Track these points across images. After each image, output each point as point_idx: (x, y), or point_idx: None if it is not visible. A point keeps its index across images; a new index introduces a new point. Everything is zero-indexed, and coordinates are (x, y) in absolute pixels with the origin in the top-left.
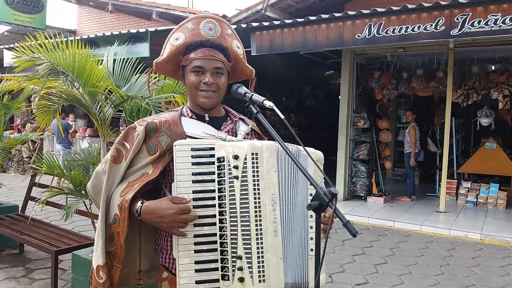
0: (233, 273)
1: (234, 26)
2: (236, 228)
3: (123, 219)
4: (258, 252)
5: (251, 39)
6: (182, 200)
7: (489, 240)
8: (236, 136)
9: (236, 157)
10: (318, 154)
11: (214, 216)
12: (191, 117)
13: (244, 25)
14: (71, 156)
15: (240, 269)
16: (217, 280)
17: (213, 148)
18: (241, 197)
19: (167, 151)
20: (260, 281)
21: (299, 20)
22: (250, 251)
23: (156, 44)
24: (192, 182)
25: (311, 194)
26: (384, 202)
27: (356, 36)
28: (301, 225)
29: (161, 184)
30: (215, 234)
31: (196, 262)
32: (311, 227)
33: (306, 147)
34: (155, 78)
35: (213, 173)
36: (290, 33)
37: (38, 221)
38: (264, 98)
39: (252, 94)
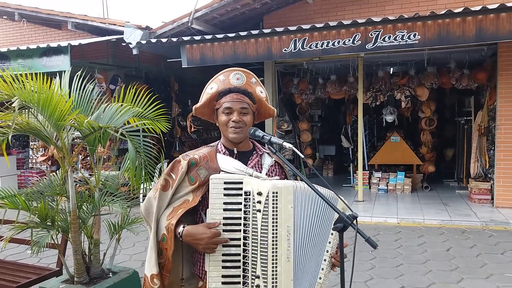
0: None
1: (164, 40)
2: (256, 252)
3: (170, 238)
4: (273, 275)
5: (181, 52)
6: (215, 224)
7: (404, 223)
8: (261, 168)
9: (259, 194)
10: (340, 201)
11: (239, 239)
12: (224, 153)
13: (174, 39)
14: (31, 188)
15: (258, 286)
16: None
17: (241, 183)
18: (261, 227)
19: (204, 183)
20: None
21: (230, 35)
22: (266, 273)
23: (74, 56)
24: (223, 210)
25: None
26: None
27: (283, 50)
28: (315, 253)
29: (199, 207)
30: (239, 254)
31: (223, 276)
32: (324, 260)
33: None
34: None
35: (240, 203)
36: (220, 46)
37: None
38: (283, 140)
39: (271, 137)
